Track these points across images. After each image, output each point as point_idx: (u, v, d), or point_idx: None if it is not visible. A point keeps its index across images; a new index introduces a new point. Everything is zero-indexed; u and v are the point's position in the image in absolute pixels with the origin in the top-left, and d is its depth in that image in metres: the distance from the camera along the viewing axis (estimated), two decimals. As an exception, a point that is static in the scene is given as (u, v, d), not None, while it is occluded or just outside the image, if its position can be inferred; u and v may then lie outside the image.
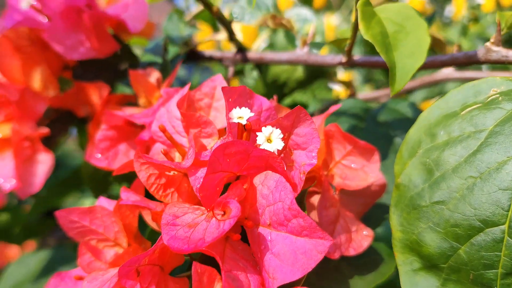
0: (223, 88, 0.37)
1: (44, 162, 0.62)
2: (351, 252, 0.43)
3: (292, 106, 0.86)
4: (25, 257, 0.91)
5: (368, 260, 0.47)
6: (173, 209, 0.37)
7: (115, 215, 0.43)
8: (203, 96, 0.48)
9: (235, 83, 0.92)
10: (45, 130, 0.64)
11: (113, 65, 0.65)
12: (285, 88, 0.72)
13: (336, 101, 0.71)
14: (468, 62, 0.47)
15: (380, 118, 0.58)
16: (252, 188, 0.37)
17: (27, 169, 0.61)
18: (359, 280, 0.45)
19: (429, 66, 0.50)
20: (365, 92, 0.74)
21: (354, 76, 1.51)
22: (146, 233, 0.49)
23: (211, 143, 0.41)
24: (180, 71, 0.90)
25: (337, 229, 0.43)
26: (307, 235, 0.33)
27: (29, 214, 0.84)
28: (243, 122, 0.37)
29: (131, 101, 0.64)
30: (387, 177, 0.50)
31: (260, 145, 0.37)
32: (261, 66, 0.75)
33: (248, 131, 0.38)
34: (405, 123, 0.56)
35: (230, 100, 0.38)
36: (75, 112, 0.67)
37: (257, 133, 0.37)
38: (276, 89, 0.72)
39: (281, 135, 0.37)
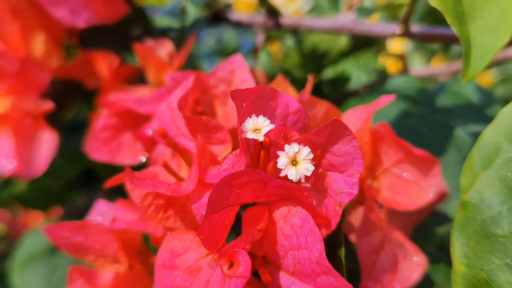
0: (233, 92, 0.27)
1: (48, 142, 0.55)
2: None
3: (335, 79, 0.74)
4: (44, 226, 0.86)
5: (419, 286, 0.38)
6: (173, 243, 0.30)
7: (112, 231, 0.36)
8: (218, 82, 0.39)
9: (274, 48, 0.81)
10: (49, 105, 0.56)
11: (125, 32, 0.56)
12: (325, 59, 0.61)
13: (385, 76, 0.60)
14: None
15: (438, 103, 0.47)
16: (272, 221, 0.28)
17: (29, 149, 0.55)
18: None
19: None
20: (420, 67, 0.62)
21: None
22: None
23: (224, 153, 0.32)
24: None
25: (381, 258, 0.34)
26: (341, 298, 0.25)
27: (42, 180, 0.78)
28: (260, 138, 0.28)
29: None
30: (445, 179, 0.40)
31: (282, 169, 0.28)
32: (298, 32, 0.64)
33: (266, 149, 0.28)
34: (470, 111, 0.45)
35: (244, 105, 0.29)
36: (83, 83, 0.59)
37: (278, 153, 0.28)
38: (314, 60, 0.61)
39: (311, 155, 0.28)
